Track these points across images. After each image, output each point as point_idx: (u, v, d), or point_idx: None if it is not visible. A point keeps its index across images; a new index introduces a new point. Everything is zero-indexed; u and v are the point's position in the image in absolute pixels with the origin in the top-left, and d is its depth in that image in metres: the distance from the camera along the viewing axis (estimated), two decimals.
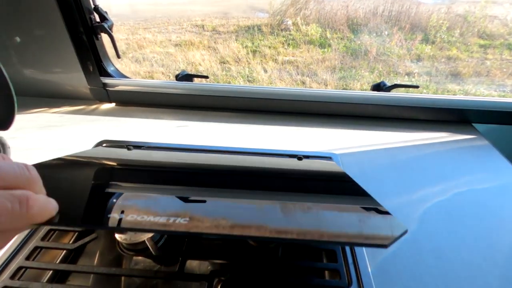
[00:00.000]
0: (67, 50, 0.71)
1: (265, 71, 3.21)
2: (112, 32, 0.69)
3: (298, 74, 3.14)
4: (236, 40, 3.67)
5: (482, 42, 3.52)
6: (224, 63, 3.31)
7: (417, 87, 0.75)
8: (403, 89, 0.76)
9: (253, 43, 3.62)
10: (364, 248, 0.44)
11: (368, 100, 0.72)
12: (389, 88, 0.73)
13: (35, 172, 0.20)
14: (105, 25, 0.68)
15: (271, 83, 2.99)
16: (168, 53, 3.42)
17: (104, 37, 0.74)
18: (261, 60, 3.36)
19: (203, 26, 3.97)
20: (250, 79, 3.05)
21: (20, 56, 0.76)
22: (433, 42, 3.51)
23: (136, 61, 3.17)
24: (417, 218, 0.50)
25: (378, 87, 0.75)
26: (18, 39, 0.73)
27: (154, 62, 3.24)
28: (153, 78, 2.94)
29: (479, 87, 2.92)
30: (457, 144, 0.68)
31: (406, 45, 3.45)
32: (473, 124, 0.75)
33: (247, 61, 3.36)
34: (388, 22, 3.71)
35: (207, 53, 3.49)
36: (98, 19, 0.70)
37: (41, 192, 0.20)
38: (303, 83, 2.98)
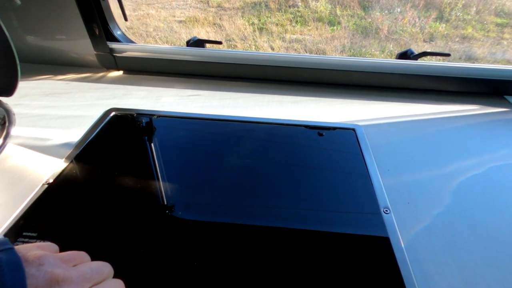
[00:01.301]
0: (72, 13, 0.66)
1: (272, 49, 3.12)
2: None
3: (306, 53, 3.05)
4: (242, 16, 3.54)
5: (499, 20, 3.38)
6: (229, 41, 3.22)
7: (448, 55, 0.69)
8: (431, 58, 0.71)
9: (259, 20, 3.50)
10: (395, 223, 0.41)
11: (394, 69, 0.67)
12: (416, 57, 0.68)
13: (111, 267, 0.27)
14: None
15: None
16: (172, 30, 3.33)
17: None
18: (268, 38, 3.25)
19: (208, 2, 3.83)
20: None
21: (21, 20, 0.71)
22: (447, 20, 3.37)
23: (139, 37, 3.09)
24: (451, 192, 0.47)
25: (404, 55, 0.69)
26: (18, 1, 0.68)
27: (158, 39, 3.15)
28: None
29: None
30: (489, 117, 0.63)
31: (419, 23, 3.31)
32: (505, 97, 0.70)
33: (254, 39, 3.26)
34: None
35: (212, 30, 3.38)
36: None
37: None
38: None
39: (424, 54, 0.68)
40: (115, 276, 0.27)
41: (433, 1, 3.53)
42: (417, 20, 3.34)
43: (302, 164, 0.51)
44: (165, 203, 0.43)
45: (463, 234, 0.41)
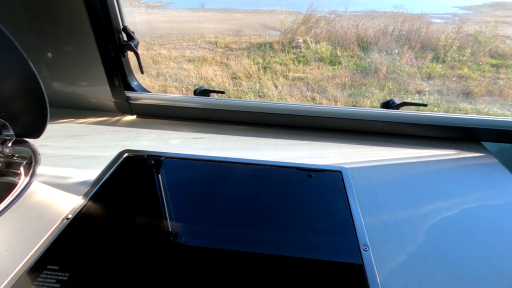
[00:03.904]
0: (96, 66, 0.77)
1: (276, 87, 3.26)
2: (137, 50, 0.75)
3: (308, 91, 3.19)
4: (248, 56, 3.76)
5: (494, 61, 3.52)
6: (235, 79, 3.39)
7: (425, 105, 0.77)
8: (412, 107, 0.79)
9: (264, 60, 3.70)
10: (373, 259, 0.46)
11: (378, 117, 0.75)
12: (398, 106, 0.76)
13: None
14: (132, 44, 0.74)
15: (281, 99, 3.04)
16: (182, 68, 3.53)
17: (130, 53, 0.79)
18: (272, 76, 3.42)
19: (216, 43, 4.09)
20: (260, 94, 3.10)
21: (51, 70, 0.82)
22: (443, 61, 3.52)
23: (150, 76, 3.28)
24: (425, 231, 0.51)
25: (387, 104, 0.77)
26: (50, 55, 0.80)
27: (168, 77, 3.34)
28: (166, 92, 3.02)
29: (492, 106, 2.90)
30: (465, 161, 0.69)
31: (416, 63, 3.47)
32: (482, 142, 0.76)
33: (258, 77, 3.42)
34: (398, 41, 3.76)
35: (219, 68, 3.58)
36: (125, 38, 0.75)
37: None
38: (313, 99, 3.02)
39: (404, 104, 0.76)
40: None
41: (429, 43, 3.72)
42: (414, 60, 3.51)
43: (292, 203, 0.57)
44: (171, 236, 0.49)
45: (435, 271, 0.45)
